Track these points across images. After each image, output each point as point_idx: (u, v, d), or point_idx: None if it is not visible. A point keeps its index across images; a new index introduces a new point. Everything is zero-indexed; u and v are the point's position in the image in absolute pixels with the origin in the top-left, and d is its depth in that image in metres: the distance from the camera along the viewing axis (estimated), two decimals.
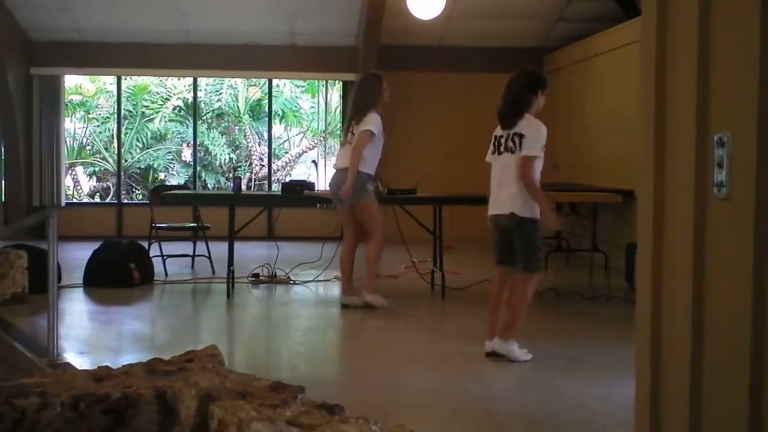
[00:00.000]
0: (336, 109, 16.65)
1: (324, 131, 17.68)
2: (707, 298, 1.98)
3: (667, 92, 2.13)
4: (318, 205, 8.97)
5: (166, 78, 17.78)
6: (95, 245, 8.84)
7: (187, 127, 17.73)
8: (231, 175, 17.92)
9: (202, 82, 16.82)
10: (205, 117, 18.33)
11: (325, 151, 17.79)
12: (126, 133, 17.03)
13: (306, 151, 18.97)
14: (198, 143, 15.15)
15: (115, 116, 14.64)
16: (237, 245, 8.30)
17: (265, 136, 17.01)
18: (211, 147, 18.52)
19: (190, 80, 15.47)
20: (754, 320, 1.80)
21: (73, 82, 17.17)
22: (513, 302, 5.63)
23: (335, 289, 8.88)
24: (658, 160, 2.15)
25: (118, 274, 8.35)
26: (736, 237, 1.86)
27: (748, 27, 1.80)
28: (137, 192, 18.32)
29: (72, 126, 17.87)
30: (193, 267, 9.68)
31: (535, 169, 5.57)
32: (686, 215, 2.02)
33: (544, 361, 5.63)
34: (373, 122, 7.13)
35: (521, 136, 5.56)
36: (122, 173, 15.12)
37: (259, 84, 17.95)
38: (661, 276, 2.16)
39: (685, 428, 2.03)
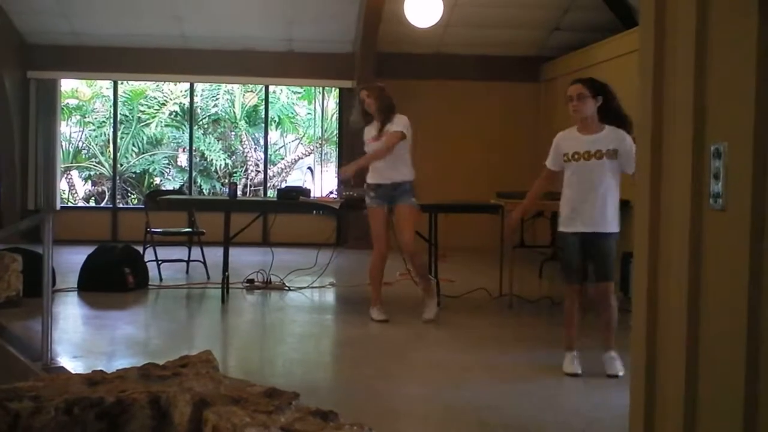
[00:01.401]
0: (332, 116, 16.66)
1: (320, 138, 17.70)
2: (703, 308, 1.98)
3: (664, 103, 2.14)
4: (314, 211, 8.98)
5: (162, 83, 17.78)
6: (90, 249, 8.83)
7: (183, 133, 17.74)
8: (227, 180, 17.93)
9: (199, 87, 16.81)
10: (201, 122, 18.33)
11: (321, 157, 17.80)
12: (122, 138, 17.02)
13: (302, 158, 18.98)
14: (194, 148, 15.15)
15: (112, 121, 14.64)
16: (232, 251, 8.29)
17: (261, 142, 17.00)
18: (207, 152, 18.52)
19: (186, 85, 15.48)
20: (750, 330, 1.80)
21: (69, 86, 17.15)
22: None
23: (330, 296, 8.89)
24: (655, 170, 2.16)
25: (112, 279, 8.34)
26: (732, 248, 1.86)
27: (746, 39, 1.81)
28: (132, 196, 18.31)
29: (68, 130, 17.87)
30: (187, 272, 9.67)
31: (563, 178, 5.62)
32: (682, 226, 2.03)
33: (538, 370, 5.63)
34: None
35: None
36: (118, 178, 15.11)
37: (255, 90, 17.96)
38: (657, 285, 2.16)
39: None
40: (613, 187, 5.43)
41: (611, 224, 5.44)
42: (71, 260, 9.32)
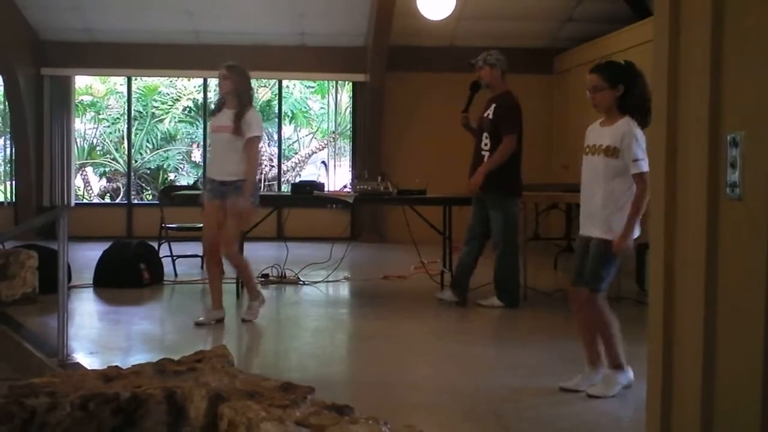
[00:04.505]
0: (346, 110, 16.66)
1: (334, 132, 17.70)
2: (720, 299, 1.97)
3: (679, 92, 2.12)
4: (328, 205, 8.99)
5: (176, 79, 17.81)
6: (105, 245, 8.86)
7: (197, 128, 17.77)
8: None
9: (212, 82, 16.80)
10: None
11: (335, 151, 17.81)
12: (136, 134, 17.07)
13: (316, 152, 18.98)
14: (208, 144, 15.15)
15: (126, 117, 14.68)
16: (246, 245, 8.29)
17: (275, 136, 17.02)
18: None
19: (199, 81, 15.50)
20: None
21: (83, 82, 17.22)
22: None
23: (345, 290, 8.89)
24: (671, 160, 2.14)
25: (128, 275, 8.36)
26: (749, 237, 1.85)
27: (762, 27, 1.79)
28: (147, 192, 18.37)
29: (82, 126, 17.94)
30: (202, 267, 9.67)
31: None
32: (699, 215, 2.01)
33: (554, 363, 5.61)
34: None
35: None
36: (132, 174, 15.14)
37: (268, 85, 17.97)
38: (674, 277, 2.15)
39: (696, 431, 2.01)
40: (614, 190, 4.76)
41: (604, 230, 4.82)
42: (87, 256, 9.35)
